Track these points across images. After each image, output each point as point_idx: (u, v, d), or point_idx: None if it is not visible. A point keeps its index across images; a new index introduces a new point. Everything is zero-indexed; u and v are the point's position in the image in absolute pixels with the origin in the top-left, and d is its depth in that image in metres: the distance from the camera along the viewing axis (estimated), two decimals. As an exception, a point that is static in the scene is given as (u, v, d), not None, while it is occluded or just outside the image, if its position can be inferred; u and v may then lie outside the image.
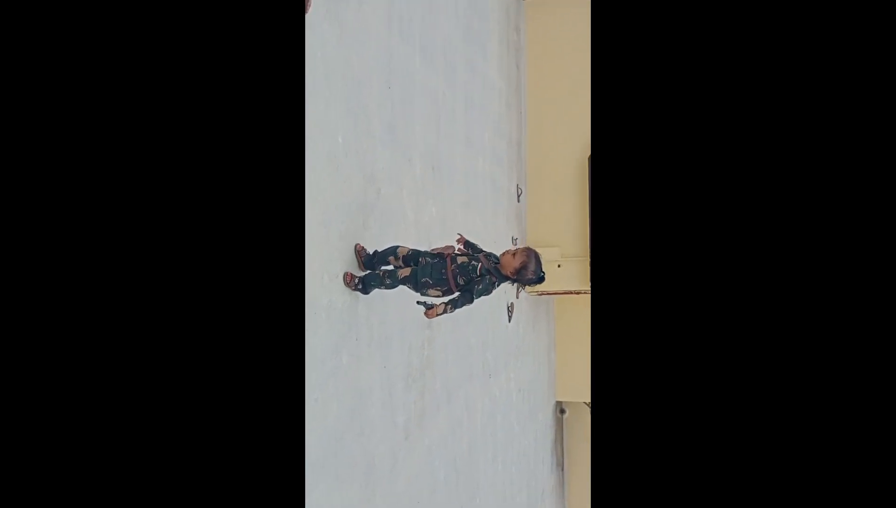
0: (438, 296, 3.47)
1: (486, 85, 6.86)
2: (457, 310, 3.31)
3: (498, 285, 3.36)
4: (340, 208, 3.46)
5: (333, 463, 3.27)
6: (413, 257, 3.50)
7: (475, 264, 3.31)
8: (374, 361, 3.80)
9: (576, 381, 9.98)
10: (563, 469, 11.44)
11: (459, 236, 3.52)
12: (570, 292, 8.08)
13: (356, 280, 3.48)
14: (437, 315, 3.22)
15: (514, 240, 7.88)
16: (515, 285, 3.38)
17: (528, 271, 3.23)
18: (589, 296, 8.19)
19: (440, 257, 3.42)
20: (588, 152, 8.19)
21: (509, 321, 7.41)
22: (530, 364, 8.50)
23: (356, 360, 3.55)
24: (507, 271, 3.27)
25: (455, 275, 3.31)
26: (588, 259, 7.98)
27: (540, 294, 8.39)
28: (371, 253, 3.61)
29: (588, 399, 10.13)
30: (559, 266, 8.02)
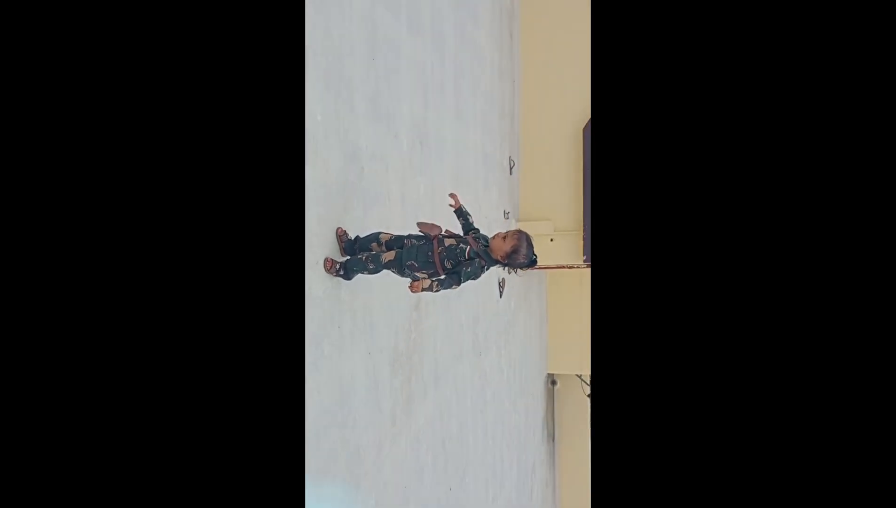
0: (425, 277, 3.32)
1: (476, 54, 6.60)
2: (442, 290, 3.14)
3: (487, 269, 3.20)
4: (319, 191, 3.27)
5: (315, 456, 3.15)
6: (397, 242, 3.33)
7: (464, 246, 3.14)
8: (358, 348, 3.66)
9: (568, 354, 9.94)
10: (554, 441, 11.49)
11: (453, 195, 3.31)
12: (563, 267, 7.95)
13: (337, 266, 3.31)
14: (422, 290, 3.03)
15: (505, 213, 7.71)
16: (506, 269, 3.21)
17: (519, 254, 3.07)
18: (581, 270, 8.06)
19: (426, 239, 3.25)
20: (583, 123, 7.96)
21: (500, 296, 7.29)
22: (521, 339, 8.41)
23: (338, 350, 3.41)
24: (498, 254, 3.10)
25: (442, 258, 3.14)
26: (581, 233, 7.82)
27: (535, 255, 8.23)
28: (352, 238, 3.44)
29: (580, 372, 10.10)
30: (552, 240, 7.87)
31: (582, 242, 7.77)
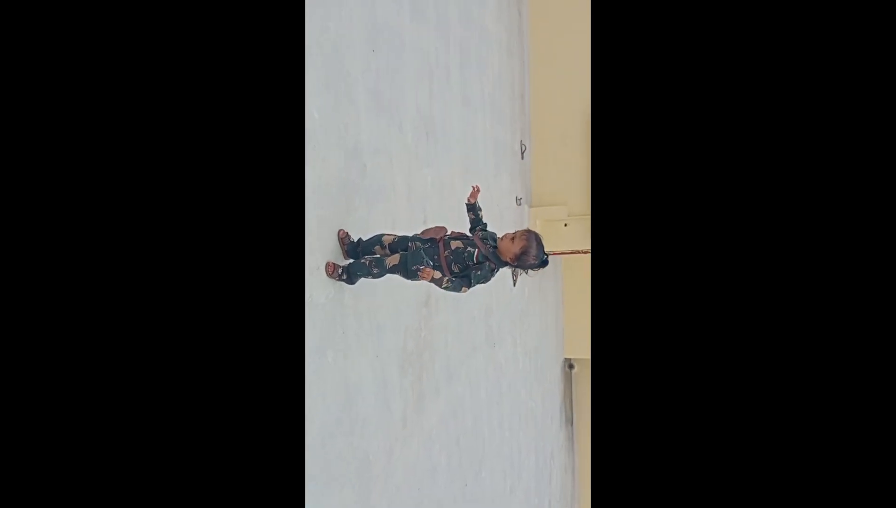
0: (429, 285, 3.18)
1: (483, 36, 6.38)
2: (449, 291, 2.99)
3: (497, 272, 3.05)
4: (319, 191, 3.13)
5: (322, 467, 3.05)
6: (401, 243, 3.18)
7: (471, 250, 2.99)
8: (364, 352, 3.54)
9: (585, 337, 9.78)
10: (572, 424, 11.39)
11: (476, 188, 3.12)
12: (578, 252, 7.76)
13: (339, 270, 3.18)
14: (431, 280, 2.89)
15: (518, 200, 7.52)
16: (516, 270, 3.06)
17: (529, 256, 2.91)
18: (597, 255, 7.87)
19: (432, 241, 3.10)
20: (596, 103, 7.71)
21: (514, 285, 7.13)
22: (536, 325, 8.27)
23: (343, 356, 3.29)
24: (507, 256, 2.95)
25: (449, 262, 3.00)
26: (596, 217, 7.62)
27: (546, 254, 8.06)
28: (355, 241, 3.29)
29: (597, 357, 9.95)
30: (566, 225, 7.68)
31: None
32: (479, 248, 2.95)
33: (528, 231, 2.95)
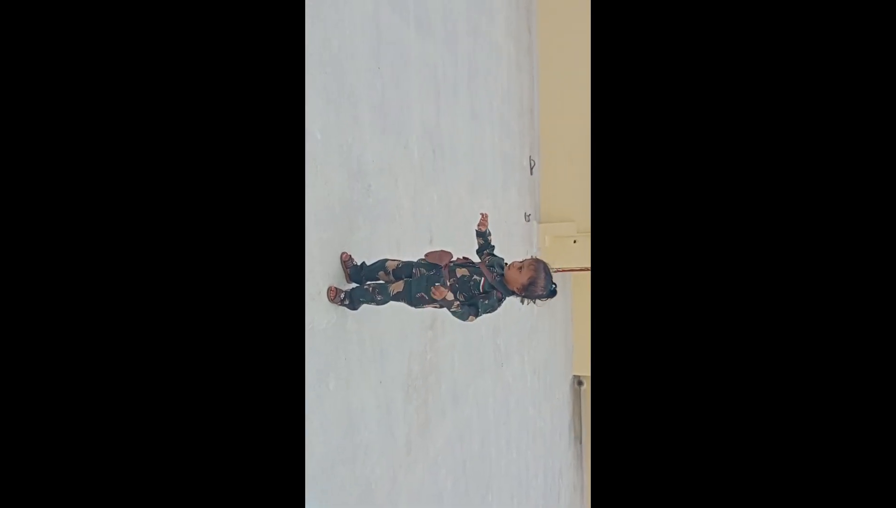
0: (437, 308, 3.07)
1: (492, 50, 6.30)
2: (455, 316, 2.88)
3: (504, 301, 2.94)
4: (321, 213, 3.04)
5: (322, 498, 2.94)
6: (405, 270, 3.08)
7: (478, 278, 2.88)
8: (367, 378, 3.43)
9: (594, 354, 9.62)
10: (581, 442, 11.21)
11: (484, 216, 3.02)
12: (587, 269, 7.63)
13: (342, 295, 3.08)
14: (443, 300, 2.80)
15: (526, 216, 7.42)
16: (524, 301, 2.94)
17: (537, 286, 2.81)
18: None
19: (436, 268, 3.00)
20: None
21: (522, 302, 7.00)
22: (545, 343, 8.14)
23: (345, 383, 3.18)
24: (514, 286, 2.84)
25: (455, 290, 2.89)
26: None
27: (556, 271, 7.94)
28: (359, 264, 3.20)
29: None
30: (574, 242, 7.57)
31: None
32: (485, 276, 2.84)
33: (536, 261, 2.84)
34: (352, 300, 3.09)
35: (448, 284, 2.89)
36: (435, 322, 4.43)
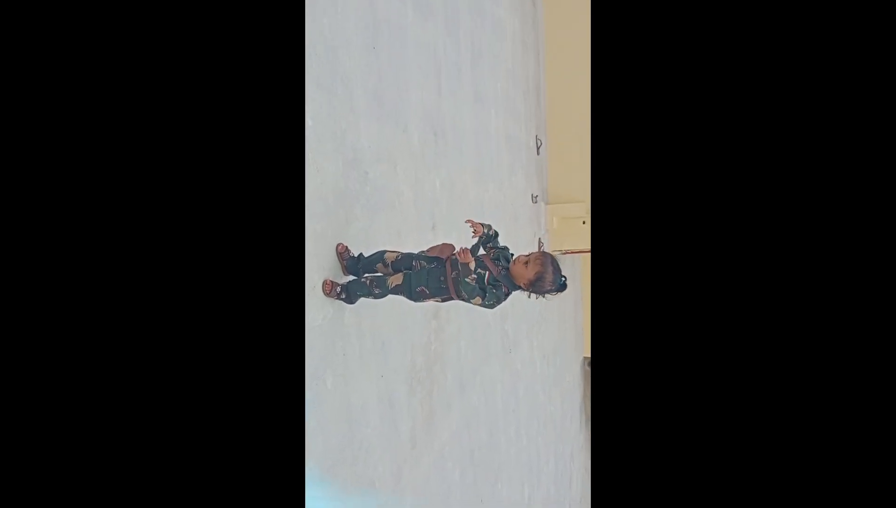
0: (438, 302, 2.94)
1: (496, 27, 6.09)
2: (464, 292, 2.69)
3: (510, 295, 2.80)
4: (315, 204, 2.90)
5: (320, 501, 2.84)
6: (405, 262, 2.95)
7: (482, 272, 2.73)
8: (367, 373, 3.32)
9: (605, 336, 9.48)
10: (590, 422, 11.13)
11: (472, 224, 2.78)
12: (597, 251, 7.45)
13: (338, 289, 2.95)
14: (467, 263, 2.64)
15: (534, 197, 7.24)
16: (530, 296, 2.79)
17: (544, 281, 2.66)
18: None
19: (438, 261, 2.86)
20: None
21: (529, 297, 6.86)
22: (555, 327, 8.01)
23: (343, 380, 3.07)
24: (520, 282, 2.69)
25: (457, 284, 2.75)
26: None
27: (564, 253, 7.79)
28: (356, 256, 3.06)
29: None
30: (584, 223, 7.39)
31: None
32: (490, 270, 2.69)
33: (544, 254, 2.69)
34: (348, 294, 2.96)
35: (451, 277, 2.76)
36: (439, 311, 4.30)
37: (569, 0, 7.75)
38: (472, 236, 2.80)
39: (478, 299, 2.71)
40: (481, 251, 2.84)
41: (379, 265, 2.98)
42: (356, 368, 3.19)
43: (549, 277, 2.63)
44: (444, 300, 2.89)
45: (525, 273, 2.65)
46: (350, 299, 2.98)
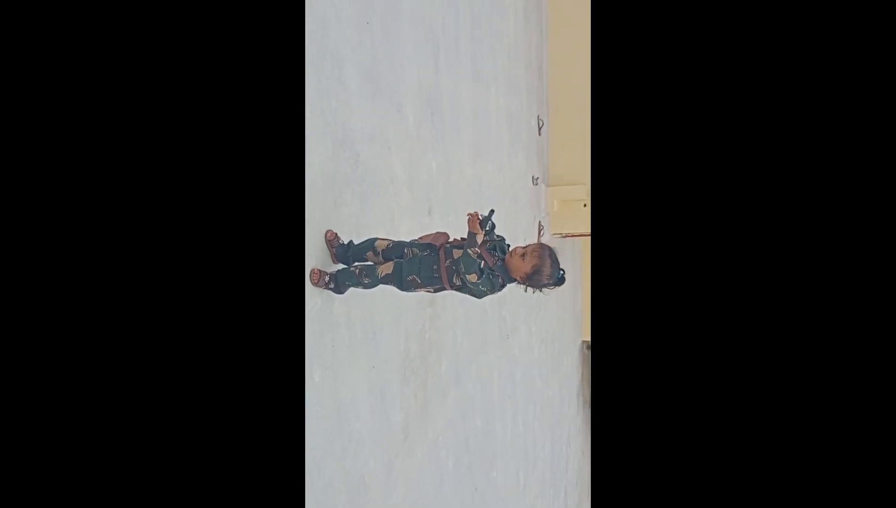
0: (430, 293, 2.78)
1: (497, 1, 5.86)
2: (466, 272, 2.49)
3: (506, 287, 2.65)
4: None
5: (307, 499, 2.72)
6: (396, 250, 2.79)
7: (478, 262, 2.57)
8: (357, 365, 3.18)
9: (604, 319, 9.37)
10: (590, 407, 11.07)
11: (472, 215, 2.52)
12: (598, 234, 7.30)
13: (326, 278, 2.80)
14: (478, 233, 2.45)
15: (534, 179, 7.06)
16: (527, 289, 2.64)
17: (542, 275, 2.51)
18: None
19: (431, 248, 2.70)
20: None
21: (526, 290, 6.72)
22: (553, 311, 7.89)
23: (332, 372, 2.93)
24: (517, 275, 2.54)
25: (451, 273, 2.60)
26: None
27: (564, 236, 7.64)
28: (345, 243, 2.90)
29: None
30: (585, 206, 7.22)
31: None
32: (485, 260, 2.53)
33: (541, 246, 2.53)
34: (337, 284, 2.81)
35: (444, 265, 2.60)
36: (435, 298, 4.16)
37: (573, -26, 7.49)
38: (470, 222, 2.57)
39: (473, 276, 2.51)
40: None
41: (369, 254, 2.83)
42: (346, 360, 3.06)
43: (547, 270, 2.48)
44: (436, 291, 2.74)
45: (522, 266, 2.50)
46: (339, 289, 2.83)
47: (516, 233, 6.26)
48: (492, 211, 2.55)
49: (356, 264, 2.83)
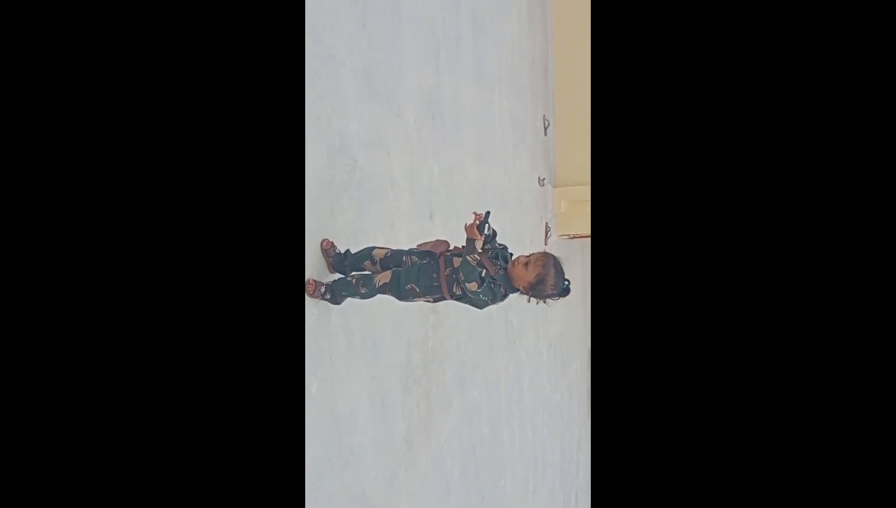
0: (429, 303, 2.70)
1: (500, 1, 5.77)
2: (467, 280, 2.41)
3: (508, 296, 2.56)
4: (297, 197, 2.66)
5: None
6: (395, 259, 2.71)
7: (479, 270, 2.48)
8: (357, 375, 3.11)
9: (614, 321, 9.24)
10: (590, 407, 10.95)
11: (475, 217, 2.42)
12: (606, 236, 7.18)
13: (322, 288, 2.72)
14: (477, 239, 2.36)
15: (540, 180, 6.96)
16: (530, 300, 2.55)
17: (546, 285, 2.42)
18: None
19: (430, 256, 2.62)
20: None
21: (529, 301, 6.62)
22: (561, 315, 7.78)
23: (330, 385, 2.86)
24: (520, 285, 2.45)
25: (450, 282, 2.52)
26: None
27: (572, 238, 7.53)
28: (342, 252, 2.83)
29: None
30: (593, 207, 7.10)
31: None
32: (486, 268, 2.44)
33: (545, 255, 2.44)
34: (333, 294, 2.73)
35: (444, 274, 2.52)
36: (437, 306, 4.07)
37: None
38: (473, 222, 2.46)
39: (474, 285, 2.42)
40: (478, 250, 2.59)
41: (367, 263, 2.75)
42: (344, 371, 2.98)
43: (551, 280, 2.39)
44: (435, 301, 2.66)
45: (525, 275, 2.41)
46: (335, 300, 2.76)
47: (522, 235, 6.17)
48: (487, 212, 2.45)
49: (353, 273, 2.75)
